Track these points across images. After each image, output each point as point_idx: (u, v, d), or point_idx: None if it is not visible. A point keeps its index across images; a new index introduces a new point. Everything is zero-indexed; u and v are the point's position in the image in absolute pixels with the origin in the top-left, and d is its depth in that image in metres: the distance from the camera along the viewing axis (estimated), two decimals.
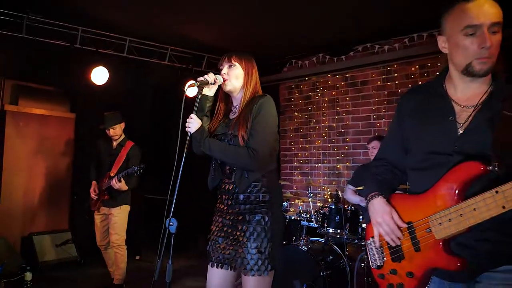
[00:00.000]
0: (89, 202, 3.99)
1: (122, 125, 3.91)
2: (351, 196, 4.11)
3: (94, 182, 3.91)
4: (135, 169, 3.48)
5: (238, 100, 2.11)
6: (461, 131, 1.34)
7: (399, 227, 1.42)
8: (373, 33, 4.63)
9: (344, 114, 5.08)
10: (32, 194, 5.00)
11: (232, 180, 1.97)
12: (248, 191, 1.93)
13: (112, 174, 3.76)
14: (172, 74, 5.32)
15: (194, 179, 5.62)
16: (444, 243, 1.31)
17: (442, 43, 1.42)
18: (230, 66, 2.07)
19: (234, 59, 2.07)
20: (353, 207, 3.48)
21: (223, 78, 2.05)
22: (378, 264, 1.51)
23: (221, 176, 2.05)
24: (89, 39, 4.58)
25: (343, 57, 5.05)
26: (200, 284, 4.22)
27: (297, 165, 5.53)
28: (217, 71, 2.10)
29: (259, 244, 1.87)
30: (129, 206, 3.90)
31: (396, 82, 4.64)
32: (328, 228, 3.43)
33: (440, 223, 1.30)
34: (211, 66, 5.51)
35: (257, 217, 1.91)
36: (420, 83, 4.43)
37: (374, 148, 4.03)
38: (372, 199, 1.52)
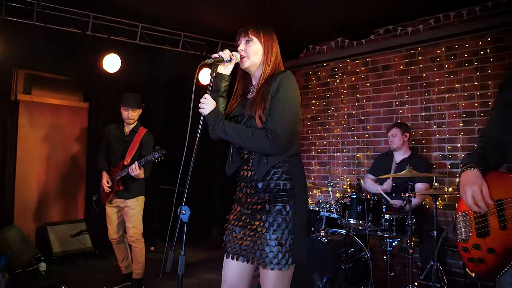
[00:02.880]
0: (98, 195, 3.82)
1: (140, 110, 3.72)
2: (371, 185, 3.92)
3: (104, 173, 3.65)
4: (156, 156, 3.25)
5: (257, 78, 1.93)
6: None
7: (486, 204, 1.40)
8: (395, 14, 4.37)
9: (365, 100, 4.86)
10: (46, 184, 4.96)
11: (250, 166, 1.81)
12: (268, 178, 1.76)
13: (126, 163, 3.58)
14: (185, 61, 5.19)
15: (208, 165, 5.51)
16: None
17: None
18: (247, 42, 1.90)
19: (251, 33, 1.89)
20: (375, 197, 3.28)
21: (240, 55, 1.88)
22: (464, 237, 1.53)
23: (240, 161, 1.89)
24: (101, 26, 4.47)
25: (363, 40, 4.81)
26: (216, 276, 4.12)
27: (315, 154, 5.34)
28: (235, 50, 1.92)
29: (280, 235, 1.71)
30: (144, 197, 3.74)
31: (421, 66, 4.38)
32: (349, 219, 3.25)
33: None
34: None
35: (277, 207, 1.74)
36: (446, 66, 4.19)
37: (393, 136, 3.84)
38: (467, 169, 1.50)
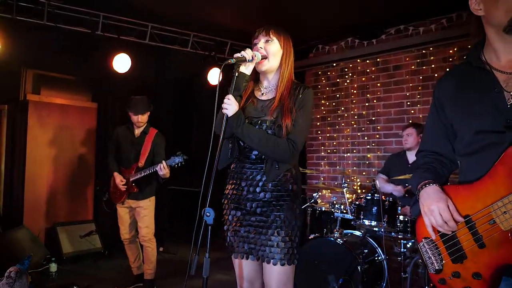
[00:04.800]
0: (109, 196, 3.79)
1: (149, 112, 3.71)
2: (384, 184, 3.89)
3: (116, 173, 3.62)
4: (176, 161, 3.28)
5: (271, 81, 1.93)
6: (511, 102, 1.16)
7: (456, 221, 1.23)
8: (406, 13, 4.34)
9: (375, 101, 4.83)
10: (56, 184, 4.95)
11: (262, 169, 1.83)
12: (277, 180, 1.82)
13: (140, 165, 3.57)
14: (194, 61, 5.17)
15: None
16: None
17: (475, 5, 1.23)
18: (267, 41, 1.88)
19: (272, 34, 1.88)
20: (390, 198, 3.25)
21: (261, 53, 1.85)
22: (437, 268, 1.31)
23: (240, 158, 1.90)
24: (111, 26, 4.46)
25: (373, 40, 4.78)
26: (229, 277, 4.09)
27: (324, 155, 5.31)
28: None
29: (290, 231, 1.78)
30: (155, 197, 3.72)
31: (432, 66, 4.35)
32: (364, 220, 3.22)
33: (504, 211, 1.12)
34: (234, 53, 5.28)
35: (287, 205, 1.80)
36: None
37: (409, 135, 3.80)
38: (425, 186, 1.33)
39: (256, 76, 1.99)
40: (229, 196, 1.93)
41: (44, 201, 4.82)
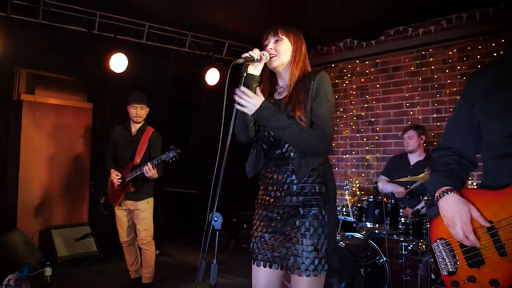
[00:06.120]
0: (106, 197, 3.73)
1: (147, 109, 3.64)
2: (385, 185, 3.87)
3: (113, 170, 3.54)
4: (171, 155, 3.15)
5: (284, 79, 1.88)
6: None
7: (476, 228, 1.20)
8: (406, 14, 4.32)
9: (374, 102, 4.81)
10: (50, 186, 4.84)
11: (287, 170, 1.74)
12: (303, 181, 1.72)
13: (136, 163, 3.49)
14: (192, 62, 5.11)
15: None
16: None
17: None
18: (277, 41, 1.85)
19: (281, 33, 1.85)
20: (393, 200, 3.23)
21: (270, 54, 1.81)
22: (450, 270, 1.29)
23: (265, 162, 1.83)
24: (107, 25, 4.38)
25: (372, 41, 4.77)
26: (228, 281, 4.05)
27: None
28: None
29: (316, 241, 1.67)
30: (153, 199, 3.65)
31: (432, 67, 4.34)
32: (366, 223, 3.19)
33: None
34: (232, 53, 5.28)
35: (313, 211, 1.69)
36: (458, 68, 4.15)
37: (410, 138, 3.78)
38: (445, 195, 1.28)
39: (273, 77, 1.94)
40: (259, 201, 1.88)
41: (38, 203, 4.71)
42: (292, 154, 1.74)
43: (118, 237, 3.69)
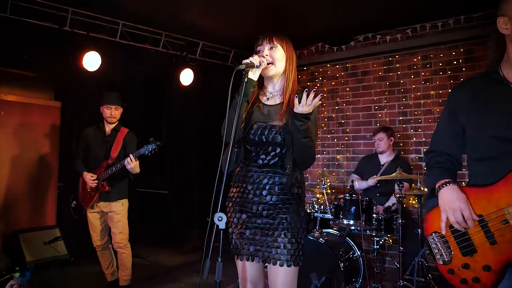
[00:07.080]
0: (77, 201, 3.62)
1: (121, 109, 3.59)
2: (360, 183, 4.06)
3: (85, 172, 3.45)
4: (150, 148, 3.13)
5: (276, 86, 1.99)
6: None
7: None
8: (374, 23, 4.58)
9: (344, 104, 5.04)
10: (16, 188, 4.62)
11: (269, 172, 1.89)
12: (284, 183, 1.89)
13: (110, 162, 3.43)
14: (165, 61, 5.07)
15: (185, 166, 5.39)
16: None
17: (503, 25, 1.38)
18: (271, 48, 1.94)
19: (276, 40, 1.95)
20: (367, 198, 3.43)
21: (267, 61, 1.90)
22: (446, 259, 1.46)
23: (245, 163, 1.95)
24: (79, 22, 4.25)
25: (343, 46, 4.99)
26: (226, 279, 4.07)
27: None
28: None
29: (296, 233, 1.86)
30: (128, 200, 3.60)
31: (398, 72, 4.63)
32: (343, 220, 3.37)
33: None
34: (206, 53, 5.30)
35: (292, 208, 1.87)
36: (422, 74, 4.46)
37: (380, 140, 4.02)
38: (445, 186, 1.46)
39: (259, 81, 2.02)
40: (234, 199, 1.96)
41: (3, 205, 4.48)
42: (277, 159, 1.88)
43: (89, 239, 3.61)
